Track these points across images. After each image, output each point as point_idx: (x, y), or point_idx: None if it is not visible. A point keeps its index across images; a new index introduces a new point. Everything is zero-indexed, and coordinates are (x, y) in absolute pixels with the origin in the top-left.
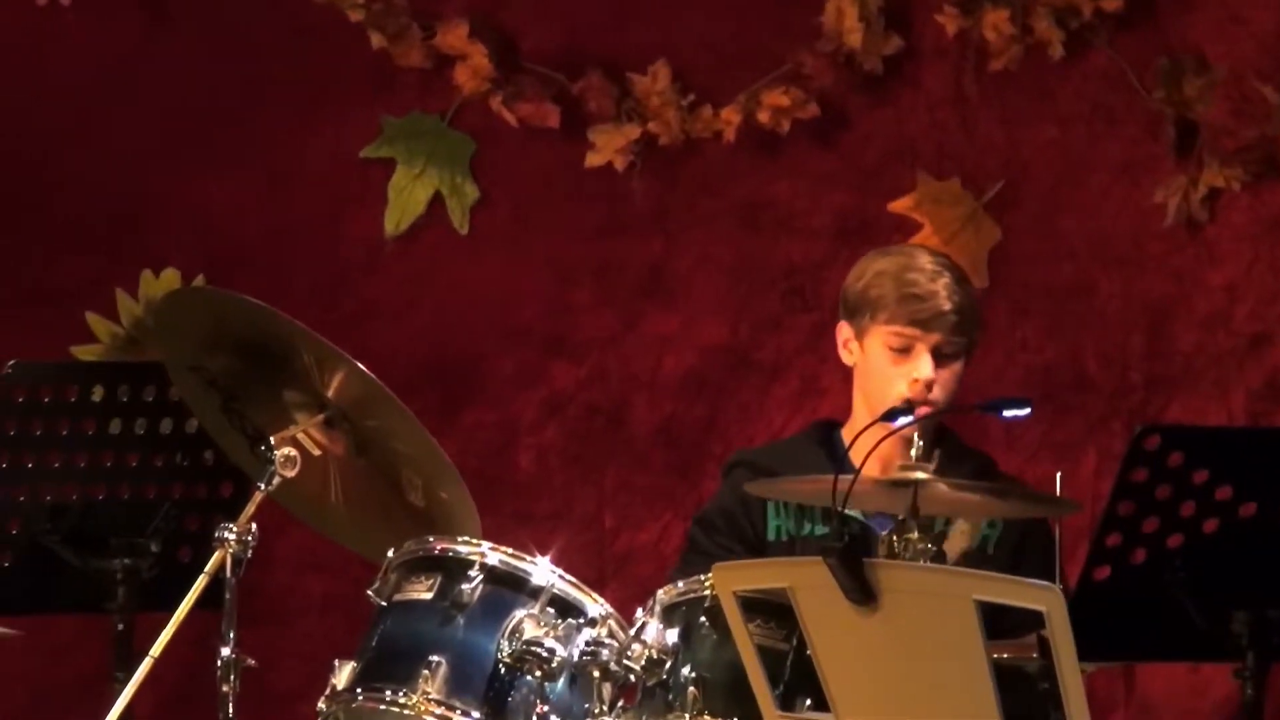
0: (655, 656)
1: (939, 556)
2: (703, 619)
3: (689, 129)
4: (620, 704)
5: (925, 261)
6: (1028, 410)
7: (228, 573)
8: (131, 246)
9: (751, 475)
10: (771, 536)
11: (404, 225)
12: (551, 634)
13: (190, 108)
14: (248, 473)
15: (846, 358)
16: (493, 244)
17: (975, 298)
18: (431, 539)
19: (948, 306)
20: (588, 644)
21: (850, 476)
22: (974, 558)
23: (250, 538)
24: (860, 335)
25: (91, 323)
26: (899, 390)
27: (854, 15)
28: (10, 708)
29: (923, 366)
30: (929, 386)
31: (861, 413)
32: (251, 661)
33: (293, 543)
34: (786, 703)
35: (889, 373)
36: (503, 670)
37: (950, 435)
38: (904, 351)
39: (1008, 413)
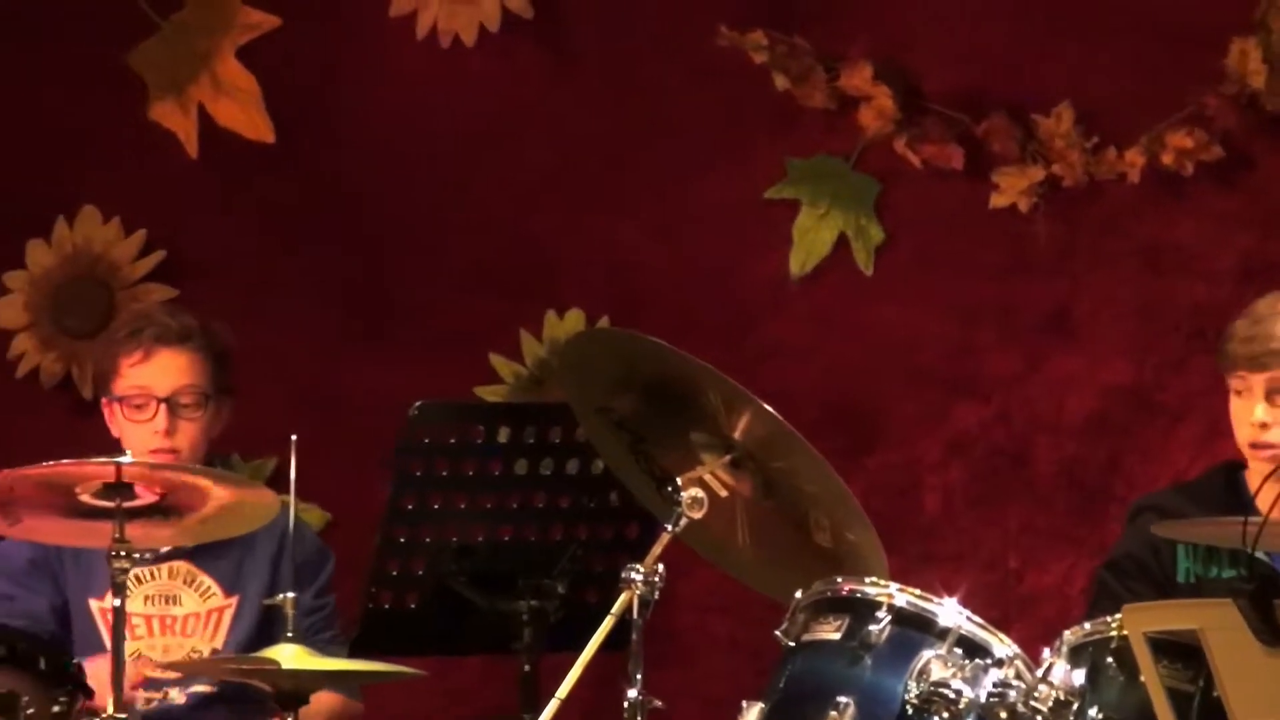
0: (1062, 698)
1: None
2: (1109, 660)
3: (1093, 171)
4: None
5: (1268, 303)
6: None
7: (634, 614)
8: (535, 288)
9: (1158, 518)
10: (1181, 579)
11: (809, 266)
12: (959, 675)
13: (593, 148)
14: (654, 514)
15: None
16: (896, 285)
17: None
18: (839, 580)
19: (1276, 345)
20: (995, 685)
21: (1259, 519)
22: None
23: (657, 579)
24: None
25: (495, 364)
26: (1244, 435)
27: (1257, 57)
28: None
29: (1255, 408)
30: (1263, 427)
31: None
32: (658, 703)
33: (698, 583)
34: None
35: (1236, 418)
36: (910, 711)
37: None
38: (1242, 394)
39: None
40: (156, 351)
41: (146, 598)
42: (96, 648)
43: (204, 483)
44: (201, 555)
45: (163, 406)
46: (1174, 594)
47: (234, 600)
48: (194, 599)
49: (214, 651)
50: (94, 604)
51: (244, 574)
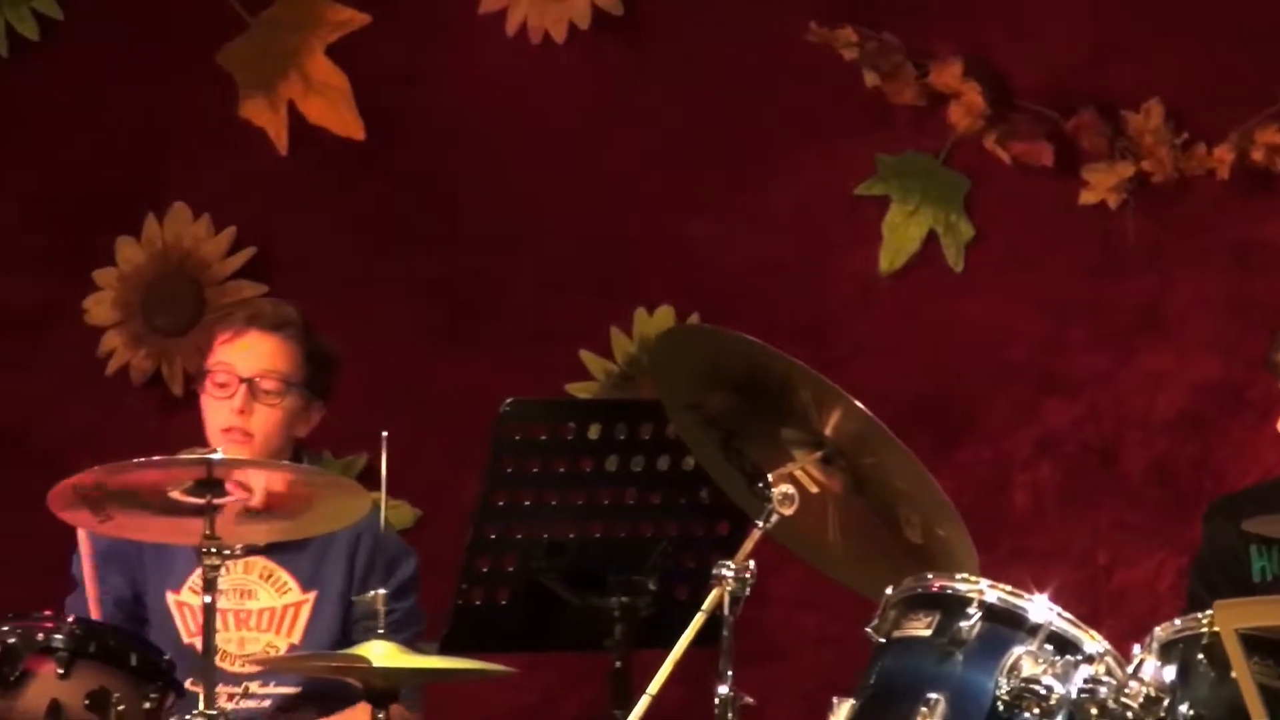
0: (1153, 694)
1: None
2: (1200, 656)
3: (1182, 167)
4: None
5: None
6: None
7: (725, 610)
8: (625, 284)
9: (1230, 520)
10: (1256, 578)
11: (898, 263)
12: (1050, 671)
13: (683, 145)
14: (745, 510)
15: None
16: (986, 281)
17: None
18: (930, 576)
19: None
20: (1086, 681)
21: None
22: None
23: (748, 575)
24: None
25: (586, 360)
26: None
27: None
28: None
29: None
30: None
31: None
32: (749, 699)
33: (788, 580)
34: None
35: None
36: (1001, 708)
37: None
38: None
39: None
40: (247, 332)
41: (221, 592)
42: (170, 641)
43: (296, 479)
44: (279, 551)
45: (244, 386)
46: (1253, 594)
47: (310, 596)
48: (269, 594)
49: (291, 647)
50: (170, 596)
51: (322, 571)
